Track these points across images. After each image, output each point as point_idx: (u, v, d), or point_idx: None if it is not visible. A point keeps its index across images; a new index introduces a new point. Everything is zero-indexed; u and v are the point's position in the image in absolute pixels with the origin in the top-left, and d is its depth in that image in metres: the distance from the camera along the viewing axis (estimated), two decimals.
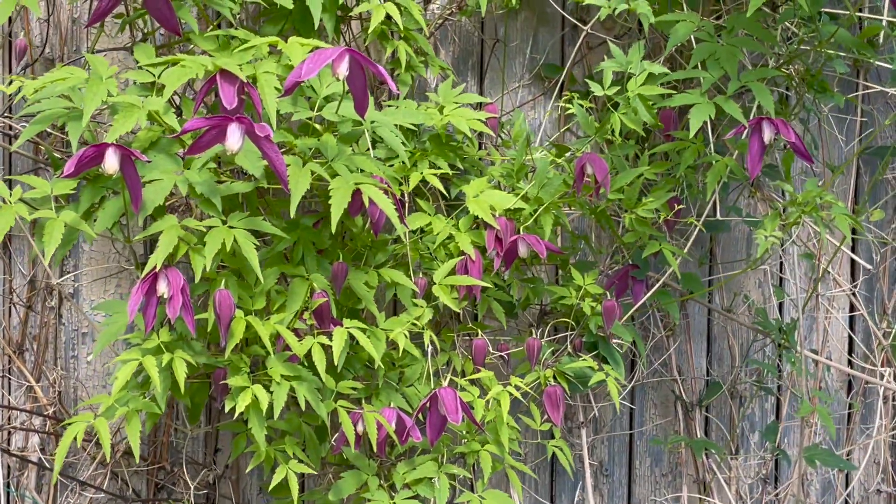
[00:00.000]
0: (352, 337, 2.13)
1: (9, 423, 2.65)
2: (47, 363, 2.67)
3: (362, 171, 2.13)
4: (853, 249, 3.04)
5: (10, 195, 2.00)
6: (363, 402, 2.31)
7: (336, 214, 1.99)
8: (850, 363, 3.07)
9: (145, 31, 2.30)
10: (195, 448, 2.71)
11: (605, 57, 2.40)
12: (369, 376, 2.36)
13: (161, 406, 2.05)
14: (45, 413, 2.63)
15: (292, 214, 1.96)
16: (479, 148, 2.77)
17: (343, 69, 1.95)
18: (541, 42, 2.87)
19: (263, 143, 1.92)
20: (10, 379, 2.66)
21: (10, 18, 2.59)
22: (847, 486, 3.11)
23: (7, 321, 2.65)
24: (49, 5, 2.57)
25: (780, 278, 3.02)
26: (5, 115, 2.46)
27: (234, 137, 1.90)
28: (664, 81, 2.35)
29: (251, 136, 1.92)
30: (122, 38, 2.56)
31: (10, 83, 2.14)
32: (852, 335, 3.07)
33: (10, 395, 2.67)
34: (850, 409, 3.08)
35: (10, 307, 2.65)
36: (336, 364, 2.08)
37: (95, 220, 2.05)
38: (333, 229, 1.99)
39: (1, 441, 2.65)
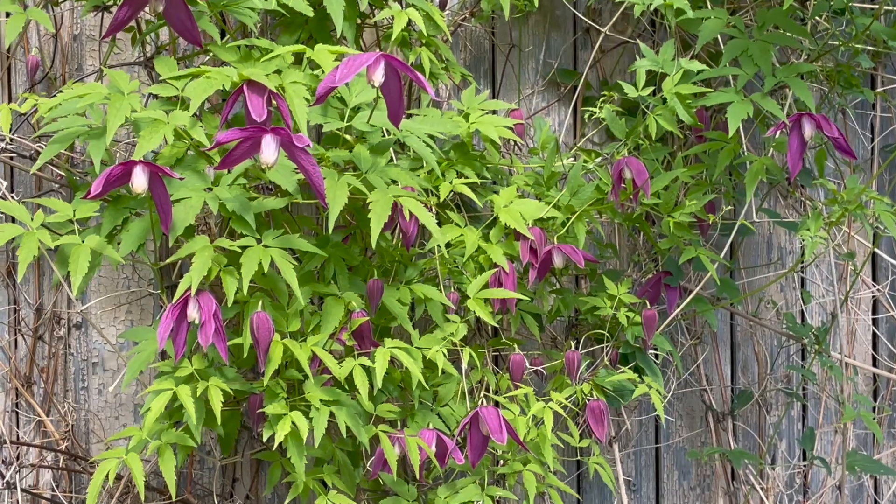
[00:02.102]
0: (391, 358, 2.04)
1: (18, 460, 2.53)
2: (57, 395, 2.55)
3: (396, 183, 2.03)
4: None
5: (32, 220, 1.89)
6: (399, 424, 2.21)
7: (377, 229, 1.90)
8: (875, 366, 3.00)
9: (157, 44, 2.19)
10: (210, 479, 2.59)
11: (632, 59, 2.32)
12: (402, 397, 2.26)
13: (197, 438, 1.94)
14: (58, 448, 2.50)
15: (331, 230, 1.86)
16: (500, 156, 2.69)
17: (379, 76, 1.86)
18: (553, 46, 2.79)
19: (300, 156, 1.83)
20: (18, 413, 2.54)
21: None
22: (876, 491, 3.04)
23: (14, 352, 2.53)
24: (56, 22, 2.46)
25: (803, 280, 2.95)
26: (9, 138, 2.34)
27: (270, 150, 1.80)
28: (694, 81, 2.28)
29: (286, 148, 1.82)
30: (126, 55, 2.45)
31: (24, 101, 2.03)
32: (879, 336, 3.00)
33: (19, 429, 2.54)
34: (878, 413, 3.01)
35: (16, 338, 2.53)
36: (375, 386, 1.99)
37: (119, 244, 1.95)
38: (374, 244, 1.89)
39: (11, 478, 2.52)
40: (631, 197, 2.28)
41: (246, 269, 1.85)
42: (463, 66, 2.74)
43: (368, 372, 2.00)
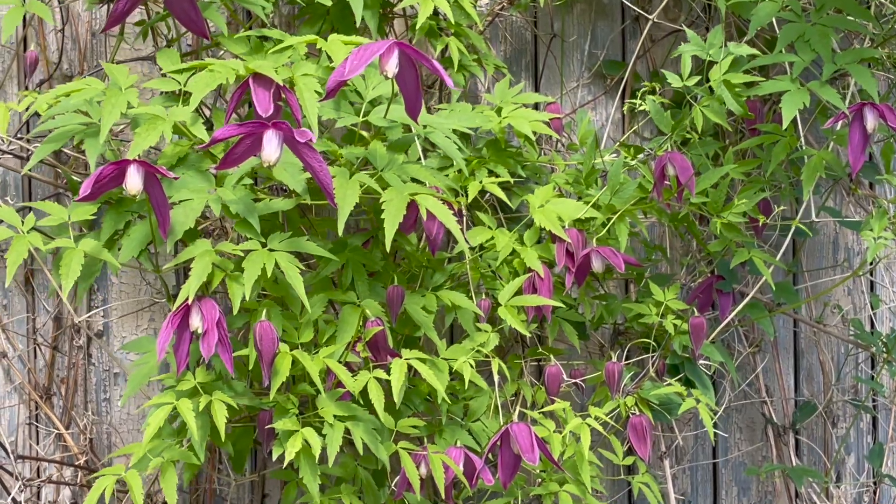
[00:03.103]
0: (411, 369, 1.88)
1: (38, 476, 2.42)
2: (77, 408, 2.44)
3: (417, 181, 1.88)
4: None
5: (23, 223, 1.77)
6: (425, 440, 2.06)
7: (390, 230, 1.75)
8: None
9: (170, 37, 2.07)
10: (240, 494, 2.46)
11: (677, 48, 2.14)
12: (430, 411, 2.11)
13: (200, 456, 1.80)
14: (77, 463, 2.39)
15: (340, 232, 1.72)
16: (540, 153, 2.53)
17: (392, 66, 1.71)
18: (599, 36, 2.62)
19: (305, 152, 1.68)
20: (37, 427, 2.43)
21: (23, 31, 2.37)
22: None
23: (32, 363, 2.43)
24: (63, 15, 2.35)
25: (872, 283, 2.75)
26: (18, 136, 2.23)
27: (272, 146, 1.66)
28: (746, 69, 2.09)
29: (290, 145, 1.68)
30: (145, 49, 2.34)
31: (22, 100, 1.91)
32: None
33: (38, 444, 2.43)
34: None
35: (34, 348, 2.43)
36: (397, 400, 1.84)
37: (120, 249, 1.82)
38: (388, 247, 1.75)
39: (31, 496, 2.41)
40: (675, 196, 2.10)
41: (249, 275, 1.72)
42: (503, 58, 2.59)
43: (385, 385, 1.85)
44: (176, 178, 1.66)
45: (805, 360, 2.73)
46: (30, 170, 1.82)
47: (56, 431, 2.41)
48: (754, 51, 1.99)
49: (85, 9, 2.27)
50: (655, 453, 2.56)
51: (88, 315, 2.35)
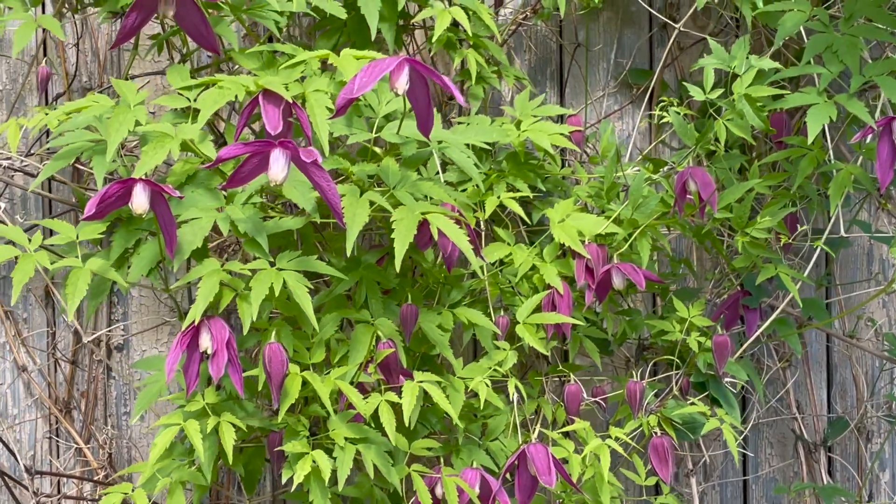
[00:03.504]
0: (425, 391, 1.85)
1: (59, 492, 2.41)
2: (97, 422, 2.43)
3: (430, 198, 1.85)
4: None
5: (30, 242, 1.75)
6: (442, 461, 2.02)
7: (400, 249, 1.71)
8: None
9: (184, 51, 2.05)
10: None
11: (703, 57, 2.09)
12: (447, 430, 2.07)
13: (207, 476, 1.78)
14: (96, 478, 2.38)
15: (349, 252, 1.68)
16: (563, 165, 2.48)
17: (402, 82, 1.67)
18: (626, 45, 2.57)
19: (312, 171, 1.65)
20: (57, 441, 2.42)
21: (44, 45, 2.36)
22: None
23: (53, 377, 2.41)
24: (79, 29, 2.33)
25: None
26: (31, 152, 2.22)
27: (278, 165, 1.63)
28: (773, 81, 2.04)
29: (297, 164, 1.65)
30: (165, 62, 2.32)
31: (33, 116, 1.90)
32: None
33: (58, 458, 2.42)
34: None
35: (54, 362, 2.41)
36: (412, 420, 1.80)
37: (130, 267, 1.80)
38: (398, 267, 1.71)
39: None
40: (697, 211, 2.05)
41: (256, 295, 1.69)
42: (527, 67, 2.55)
43: (397, 408, 1.81)
44: (181, 198, 1.64)
45: (839, 374, 2.67)
46: (39, 186, 1.79)
47: (76, 446, 2.40)
48: (776, 64, 1.94)
49: (100, 22, 2.26)
50: (682, 471, 2.51)
51: (102, 332, 2.34)
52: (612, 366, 2.49)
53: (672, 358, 2.22)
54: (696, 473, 2.55)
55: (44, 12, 2.25)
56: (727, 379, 2.26)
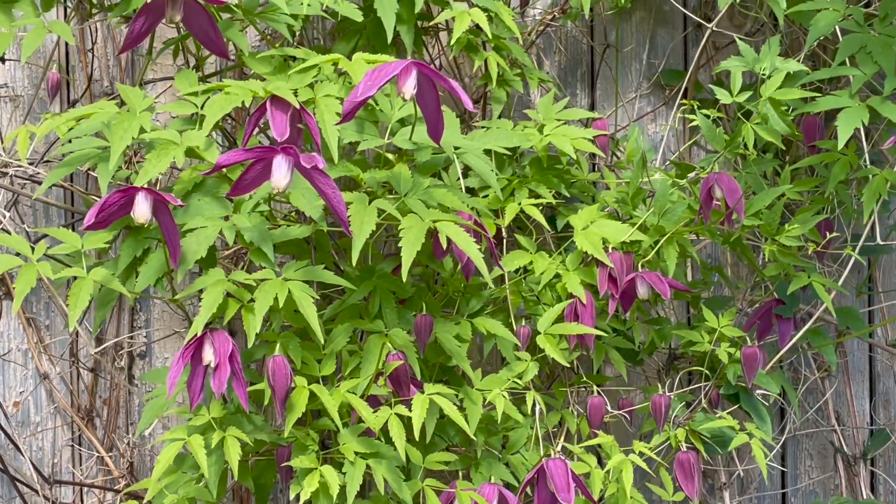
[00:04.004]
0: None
1: (83, 501, 2.38)
2: (119, 430, 2.40)
3: (446, 206, 1.79)
4: None
5: (34, 251, 1.72)
6: (460, 475, 1.97)
7: (408, 259, 1.66)
8: None
9: (198, 56, 2.01)
10: None
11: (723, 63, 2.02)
12: (465, 443, 2.01)
13: (213, 493, 1.74)
14: (117, 487, 2.35)
15: (353, 261, 1.63)
16: (593, 170, 2.42)
17: (410, 87, 1.62)
18: (659, 45, 2.50)
19: (316, 178, 1.61)
20: (80, 450, 2.39)
21: (66, 50, 2.34)
22: None
23: (75, 385, 2.39)
24: (101, 34, 2.31)
25: None
26: (30, 169, 2.19)
27: (280, 172, 1.59)
28: (805, 83, 1.96)
29: (301, 170, 1.61)
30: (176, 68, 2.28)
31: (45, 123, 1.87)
32: None
33: (80, 466, 2.40)
34: None
35: (76, 369, 2.39)
36: (418, 435, 1.75)
37: (138, 277, 1.77)
38: (405, 276, 1.66)
39: None
40: (724, 218, 1.98)
41: (260, 306, 1.64)
42: (557, 69, 2.48)
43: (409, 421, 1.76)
44: (181, 206, 1.60)
45: (881, 384, 2.58)
46: (39, 194, 1.77)
47: (97, 454, 2.37)
48: (802, 67, 1.86)
49: (114, 27, 2.23)
50: (715, 484, 2.43)
51: (113, 340, 2.31)
52: (643, 376, 2.42)
53: (701, 369, 2.15)
54: (731, 486, 2.47)
55: (66, 17, 2.23)
56: (759, 391, 2.18)
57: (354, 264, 1.64)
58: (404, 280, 1.66)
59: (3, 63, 2.26)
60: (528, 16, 2.45)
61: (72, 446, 2.40)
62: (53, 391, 2.38)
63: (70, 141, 1.77)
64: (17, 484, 2.28)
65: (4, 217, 2.11)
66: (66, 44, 2.34)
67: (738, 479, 2.53)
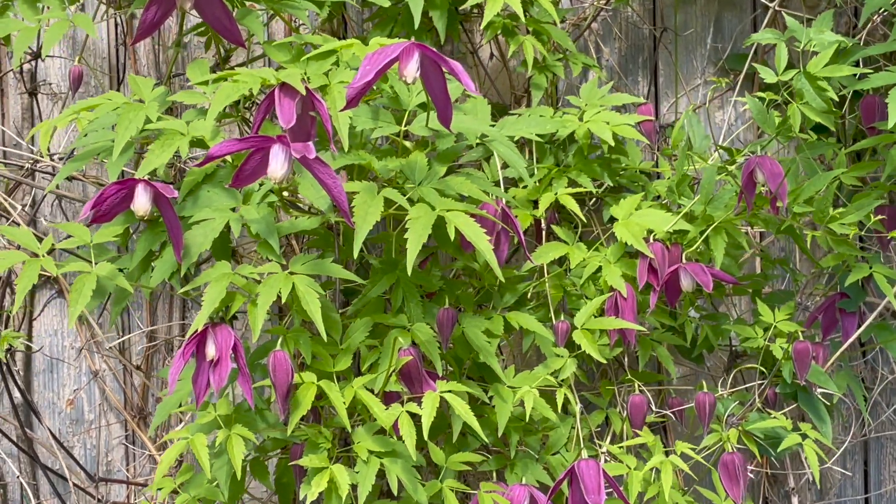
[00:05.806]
0: (476, 399, 1.71)
1: (132, 499, 2.37)
2: (172, 428, 2.38)
3: (463, 197, 1.72)
4: None
5: (41, 246, 1.70)
6: (494, 475, 1.89)
7: (413, 250, 1.59)
8: None
9: (222, 46, 1.97)
10: None
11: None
12: (499, 444, 1.93)
13: (225, 493, 1.69)
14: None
15: (355, 255, 1.57)
16: (651, 157, 2.31)
17: (412, 69, 1.55)
18: (726, 28, 2.38)
19: (315, 167, 1.55)
20: (133, 450, 2.38)
21: (116, 46, 2.33)
22: None
23: (128, 383, 2.38)
24: (126, 27, 2.30)
25: None
26: (51, 162, 2.18)
27: (277, 162, 1.53)
28: (854, 61, 1.83)
29: (301, 159, 1.55)
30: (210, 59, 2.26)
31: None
32: None
33: (133, 462, 2.39)
34: None
35: (129, 367, 2.38)
36: (427, 434, 1.67)
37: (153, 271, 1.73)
38: (409, 271, 1.59)
39: None
40: (769, 204, 1.86)
41: (263, 300, 1.59)
42: (617, 56, 2.38)
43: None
44: (174, 197, 1.56)
45: None
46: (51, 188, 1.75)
47: (148, 453, 2.36)
48: (839, 37, 1.73)
49: (130, 13, 2.21)
50: (782, 488, 2.30)
51: (117, 341, 2.29)
52: (710, 375, 2.30)
53: (757, 366, 2.03)
54: (803, 491, 2.33)
55: (105, 10, 2.22)
56: (820, 390, 2.04)
57: (355, 256, 1.57)
58: (409, 272, 1.59)
59: (43, 60, 2.26)
60: (584, 1, 2.35)
61: (125, 445, 2.39)
62: (106, 389, 2.38)
63: (87, 135, 1.75)
64: (65, 482, 2.27)
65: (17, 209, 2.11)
66: (115, 40, 2.33)
67: (812, 485, 2.39)
